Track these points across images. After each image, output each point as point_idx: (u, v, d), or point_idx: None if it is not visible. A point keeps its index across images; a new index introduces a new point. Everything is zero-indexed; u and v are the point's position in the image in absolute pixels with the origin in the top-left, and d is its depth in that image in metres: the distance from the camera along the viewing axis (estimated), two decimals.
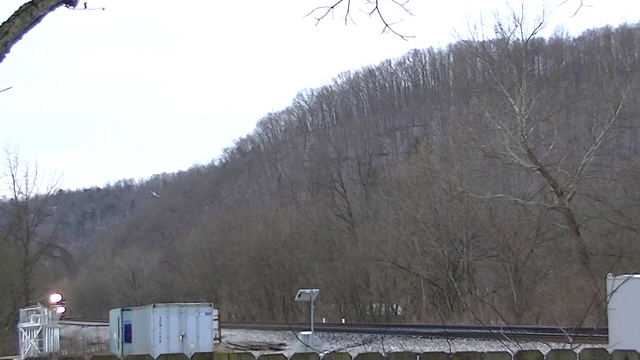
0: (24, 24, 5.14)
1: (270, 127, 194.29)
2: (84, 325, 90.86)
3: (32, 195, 66.93)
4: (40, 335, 46.60)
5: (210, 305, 37.48)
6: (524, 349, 4.81)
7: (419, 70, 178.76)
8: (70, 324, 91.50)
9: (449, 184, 49.12)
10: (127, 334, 40.09)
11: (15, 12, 5.17)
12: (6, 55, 5.15)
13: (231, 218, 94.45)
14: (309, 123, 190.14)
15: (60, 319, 64.89)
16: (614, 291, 13.27)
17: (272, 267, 73.20)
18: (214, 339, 37.82)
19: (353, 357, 4.63)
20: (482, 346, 27.86)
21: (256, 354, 4.92)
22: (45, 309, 49.63)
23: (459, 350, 5.34)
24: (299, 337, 31.64)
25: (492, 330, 19.98)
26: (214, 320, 38.63)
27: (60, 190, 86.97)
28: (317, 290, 36.08)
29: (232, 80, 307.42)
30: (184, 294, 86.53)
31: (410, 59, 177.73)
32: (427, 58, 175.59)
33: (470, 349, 24.97)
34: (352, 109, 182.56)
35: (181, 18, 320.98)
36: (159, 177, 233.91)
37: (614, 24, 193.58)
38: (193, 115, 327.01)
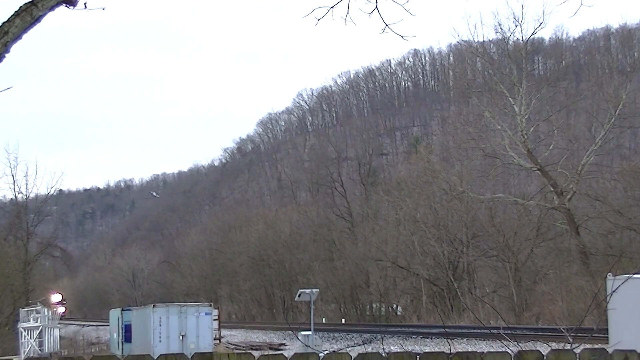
0: (24, 24, 5.14)
1: (270, 127, 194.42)
2: (84, 325, 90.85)
3: (32, 195, 66.98)
4: (40, 335, 46.59)
5: (210, 305, 37.48)
6: (524, 349, 4.81)
7: (419, 70, 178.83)
8: (70, 324, 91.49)
9: (449, 184, 49.12)
10: (127, 334, 40.10)
11: (15, 12, 5.17)
12: (6, 55, 5.15)
13: (231, 218, 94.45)
14: (309, 123, 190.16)
15: (61, 319, 64.88)
16: (614, 291, 13.27)
17: (272, 267, 73.20)
18: (214, 339, 37.82)
19: (353, 357, 4.63)
20: (482, 346, 27.85)
21: (256, 354, 4.92)
22: (45, 309, 49.63)
23: (459, 350, 5.34)
24: (299, 337, 31.64)
25: (492, 330, 19.98)
26: (214, 320, 38.63)
27: (60, 190, 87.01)
28: (317, 290, 36.08)
29: (232, 80, 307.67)
30: (184, 294, 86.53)
31: (410, 59, 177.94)
32: (427, 58, 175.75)
33: (470, 349, 24.96)
34: (352, 109, 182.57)
35: (181, 18, 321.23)
36: (159, 177, 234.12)
37: (614, 24, 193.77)
38: (193, 115, 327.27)
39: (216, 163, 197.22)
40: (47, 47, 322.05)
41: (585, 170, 42.41)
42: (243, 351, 18.33)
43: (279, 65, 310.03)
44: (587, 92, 52.82)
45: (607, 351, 4.83)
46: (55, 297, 72.34)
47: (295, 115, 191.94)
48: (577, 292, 34.69)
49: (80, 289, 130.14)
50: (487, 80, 53.34)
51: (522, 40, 45.05)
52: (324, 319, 56.74)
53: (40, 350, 45.84)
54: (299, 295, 33.79)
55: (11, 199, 69.18)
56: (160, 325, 33.93)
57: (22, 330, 46.26)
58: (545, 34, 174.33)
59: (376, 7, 6.49)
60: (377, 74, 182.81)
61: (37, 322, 46.50)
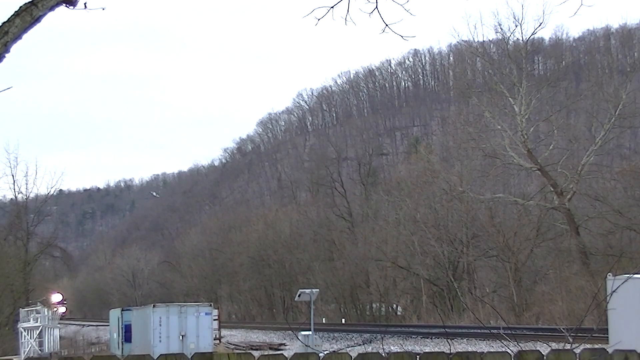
0: (24, 24, 5.14)
1: (270, 127, 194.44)
2: (84, 325, 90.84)
3: (32, 195, 67.00)
4: (40, 335, 46.58)
5: (210, 305, 37.48)
6: (524, 349, 4.81)
7: (419, 70, 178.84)
8: (70, 324, 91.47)
9: (449, 184, 49.12)
10: (127, 334, 40.09)
11: (15, 12, 5.17)
12: (6, 55, 5.15)
13: (231, 218, 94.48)
14: (309, 123, 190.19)
15: (61, 319, 64.87)
16: (614, 291, 13.27)
17: (272, 267, 73.20)
18: (214, 339, 37.82)
19: (353, 357, 4.63)
20: (482, 346, 27.85)
21: (256, 354, 4.92)
22: (45, 309, 49.62)
23: (459, 350, 5.35)
24: (299, 337, 31.65)
25: (492, 330, 19.97)
26: (214, 320, 38.63)
27: (60, 190, 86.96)
28: (317, 290, 36.07)
29: (232, 80, 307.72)
30: (184, 294, 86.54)
31: (410, 59, 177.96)
32: (427, 58, 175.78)
33: (470, 349, 24.96)
34: (352, 109, 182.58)
35: (181, 18, 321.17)
36: (159, 177, 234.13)
37: (614, 24, 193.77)
38: (193, 115, 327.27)
39: (216, 163, 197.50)
40: (47, 47, 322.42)
41: (585, 170, 42.41)
42: (243, 351, 18.33)
43: (279, 65, 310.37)
44: (587, 92, 52.80)
45: (607, 351, 4.83)
46: (56, 297, 72.36)
47: (295, 115, 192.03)
48: (577, 292, 34.69)
49: (80, 289, 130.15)
50: (487, 80, 53.34)
51: (522, 40, 45.09)
52: (324, 319, 56.73)
53: (40, 350, 45.83)
54: (299, 295, 33.79)
55: (11, 199, 69.26)
56: (160, 325, 33.93)
57: (22, 330, 46.25)
58: (545, 34, 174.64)
59: (376, 7, 6.49)
60: (377, 74, 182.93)
61: (37, 322, 46.49)
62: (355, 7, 6.47)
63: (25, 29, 5.18)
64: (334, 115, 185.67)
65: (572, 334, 6.31)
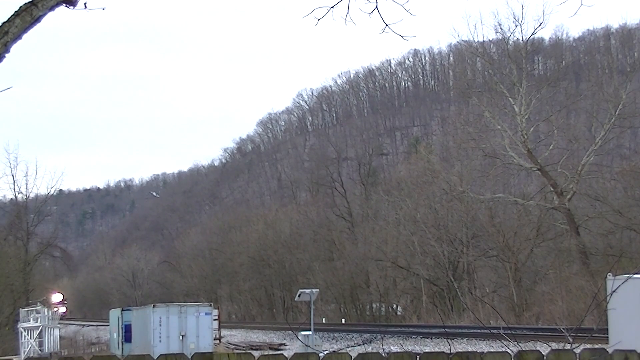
0: (24, 24, 5.14)
1: (270, 127, 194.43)
2: (84, 325, 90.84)
3: (32, 195, 67.02)
4: (40, 335, 46.59)
5: (210, 305, 37.48)
6: (524, 349, 4.81)
7: (419, 70, 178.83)
8: (70, 324, 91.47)
9: (449, 184, 49.12)
10: (127, 334, 40.10)
11: (15, 12, 5.17)
12: (6, 55, 5.15)
13: (231, 218, 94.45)
14: (309, 123, 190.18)
15: (61, 319, 64.87)
16: (614, 291, 13.26)
17: (272, 267, 73.20)
18: (214, 339, 37.82)
19: (353, 357, 4.63)
20: (482, 346, 27.85)
21: (256, 354, 4.92)
22: (45, 309, 49.63)
23: (459, 350, 5.35)
24: (299, 337, 31.65)
25: (492, 330, 19.97)
26: (214, 320, 38.63)
27: (60, 190, 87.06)
28: (317, 290, 36.08)
29: (232, 80, 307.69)
30: (184, 294, 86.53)
31: (410, 59, 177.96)
32: (427, 58, 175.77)
33: (470, 349, 24.96)
34: (352, 109, 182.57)
35: (181, 18, 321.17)
36: (159, 177, 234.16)
37: (614, 24, 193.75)
38: (193, 115, 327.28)
39: (216, 163, 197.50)
40: (47, 47, 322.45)
41: (585, 170, 42.41)
42: (243, 351, 18.33)
43: (279, 65, 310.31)
44: (587, 92, 52.83)
45: (607, 351, 4.83)
46: (56, 297, 72.34)
47: (295, 115, 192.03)
48: (577, 292, 34.69)
49: (80, 289, 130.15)
50: (487, 80, 53.34)
51: (522, 40, 45.09)
52: (324, 319, 56.73)
53: (40, 350, 45.83)
54: (299, 295, 33.79)
55: (11, 199, 69.28)
56: (160, 325, 33.94)
57: (22, 330, 46.26)
58: (545, 34, 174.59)
59: (376, 7, 6.49)
60: (377, 74, 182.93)
61: (37, 322, 46.50)
62: (355, 7, 6.48)
63: (25, 29, 5.17)
64: (334, 115, 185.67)
65: (572, 334, 6.31)
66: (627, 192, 41.44)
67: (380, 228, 57.11)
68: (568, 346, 5.47)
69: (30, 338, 46.13)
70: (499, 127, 44.27)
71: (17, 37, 5.15)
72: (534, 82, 51.41)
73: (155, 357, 4.61)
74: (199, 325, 34.22)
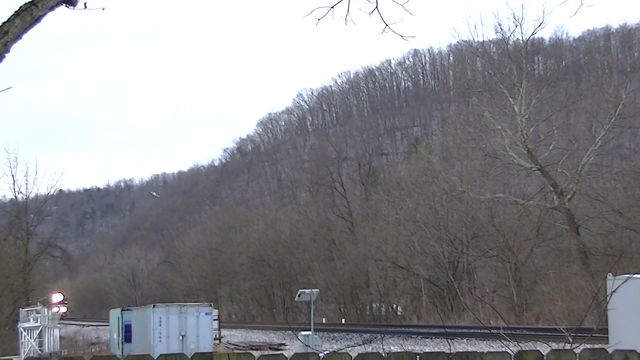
0: (24, 24, 5.14)
1: (270, 127, 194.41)
2: (84, 325, 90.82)
3: (32, 195, 67.03)
4: (40, 335, 46.60)
5: (210, 305, 37.48)
6: (524, 349, 4.81)
7: (419, 70, 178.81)
8: (70, 324, 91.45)
9: (449, 184, 49.11)
10: (127, 334, 40.09)
11: (15, 12, 5.17)
12: (6, 55, 5.15)
13: (231, 218, 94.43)
14: (309, 123, 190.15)
15: (61, 319, 64.86)
16: (614, 291, 13.26)
17: (272, 267, 73.20)
18: (214, 339, 37.82)
19: (353, 357, 4.63)
20: (482, 346, 27.85)
21: (256, 354, 4.92)
22: (45, 309, 49.63)
23: (459, 350, 5.34)
24: (299, 337, 31.65)
25: (492, 330, 19.97)
26: (214, 320, 38.63)
27: (60, 190, 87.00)
28: (317, 290, 36.08)
29: (232, 80, 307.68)
30: (184, 294, 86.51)
31: (410, 59, 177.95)
32: (427, 58, 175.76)
33: (470, 349, 24.96)
34: (352, 109, 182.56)
35: (181, 18, 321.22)
36: (159, 177, 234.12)
37: (614, 24, 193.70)
38: (193, 115, 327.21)
39: (216, 163, 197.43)
40: (47, 47, 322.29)
41: (585, 170, 42.41)
42: (243, 351, 18.33)
43: (279, 65, 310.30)
44: (587, 92, 52.79)
45: (607, 351, 4.83)
46: (57, 297, 72.32)
47: (295, 115, 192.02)
48: (577, 292, 34.69)
49: (80, 289, 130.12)
50: (487, 80, 53.33)
51: (522, 40, 45.08)
52: (324, 319, 56.73)
53: (40, 350, 45.84)
54: (299, 295, 33.79)
55: (11, 199, 69.29)
56: (160, 325, 33.94)
57: (22, 330, 46.26)
58: (545, 34, 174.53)
59: (376, 7, 6.50)
60: (377, 74, 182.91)
61: (37, 322, 46.51)
62: (355, 7, 6.48)
63: (25, 29, 5.17)
64: (334, 115, 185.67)
65: (572, 334, 6.31)
66: (627, 192, 41.44)
67: (380, 228, 57.11)
68: (568, 346, 5.47)
69: (30, 338, 46.14)
70: (499, 127, 44.27)
71: (17, 37, 5.15)
72: (534, 82, 51.40)
73: (155, 357, 4.61)
74: (199, 325, 34.22)
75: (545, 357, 4.72)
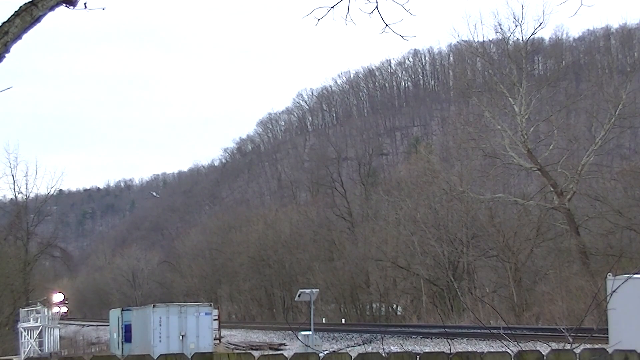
0: (24, 24, 5.14)
1: (270, 127, 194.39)
2: (84, 325, 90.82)
3: (32, 195, 67.00)
4: (40, 335, 46.59)
5: (210, 305, 37.49)
6: (524, 349, 4.81)
7: (419, 70, 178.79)
8: (70, 324, 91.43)
9: (449, 184, 49.11)
10: (127, 334, 40.10)
11: (15, 12, 5.17)
12: (6, 55, 5.15)
13: (231, 218, 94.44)
14: (309, 123, 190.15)
15: (62, 319, 64.86)
16: (614, 291, 13.26)
17: (272, 267, 73.20)
18: (214, 339, 37.82)
19: (353, 357, 4.63)
20: (482, 346, 27.86)
21: (256, 354, 4.92)
22: (45, 309, 49.63)
23: (459, 350, 5.34)
24: (299, 337, 31.65)
25: (492, 330, 19.97)
26: (214, 320, 38.64)
27: (60, 190, 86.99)
28: (317, 290, 36.09)
29: (232, 80, 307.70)
30: (184, 294, 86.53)
31: (410, 59, 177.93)
32: (427, 58, 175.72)
33: (470, 349, 24.96)
34: (352, 109, 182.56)
35: (181, 18, 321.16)
36: (159, 177, 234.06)
37: (614, 24, 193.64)
38: (193, 115, 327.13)
39: (216, 163, 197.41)
40: (47, 47, 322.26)
41: (585, 170, 42.41)
42: (243, 351, 18.33)
43: (279, 65, 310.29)
44: (587, 92, 52.79)
45: (607, 351, 4.83)
46: (57, 297, 72.33)
47: (295, 115, 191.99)
48: (577, 292, 34.69)
49: (80, 289, 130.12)
50: (487, 80, 53.33)
51: (522, 40, 45.09)
52: (324, 319, 56.73)
53: (40, 350, 45.84)
54: (299, 295, 33.79)
55: (11, 199, 69.26)
56: (160, 325, 33.94)
57: (22, 330, 46.26)
58: (545, 34, 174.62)
59: (376, 7, 6.50)
60: (377, 74, 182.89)
61: (37, 322, 46.51)
62: (355, 7, 6.48)
63: (25, 29, 5.17)
64: (334, 115, 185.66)
65: (572, 334, 6.31)
66: (627, 192, 41.44)
67: (380, 228, 57.11)
68: (568, 346, 5.47)
69: (30, 338, 46.14)
70: (499, 127, 44.27)
71: (17, 37, 5.15)
72: (534, 82, 51.42)
73: (155, 357, 4.61)
74: (199, 325, 34.23)
75: (545, 357, 4.72)
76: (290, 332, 43.19)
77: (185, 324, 34.06)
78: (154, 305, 36.04)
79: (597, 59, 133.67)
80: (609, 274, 16.90)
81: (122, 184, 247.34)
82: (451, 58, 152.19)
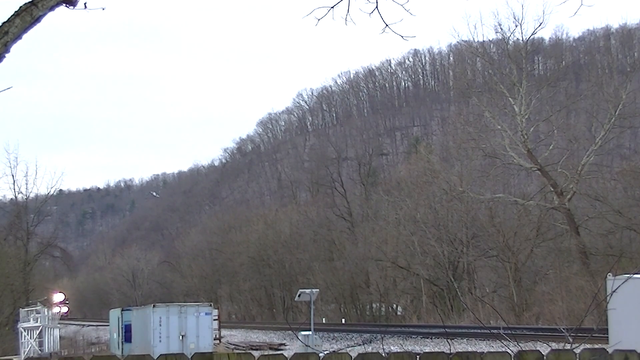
0: (24, 24, 5.14)
1: (270, 127, 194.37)
2: (84, 325, 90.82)
3: (32, 195, 67.00)
4: (40, 335, 46.60)
5: (210, 305, 37.49)
6: (524, 349, 4.81)
7: (419, 70, 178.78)
8: (70, 324, 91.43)
9: (449, 184, 49.12)
10: (127, 334, 40.10)
11: (15, 12, 5.17)
12: (6, 55, 5.15)
13: (231, 218, 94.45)
14: (309, 123, 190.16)
15: (62, 319, 64.84)
16: (614, 291, 13.27)
17: (272, 267, 73.20)
18: (214, 339, 37.82)
19: (353, 357, 4.63)
20: (482, 346, 27.86)
21: (256, 354, 4.92)
22: (46, 309, 49.63)
23: (459, 350, 5.34)
24: (299, 337, 31.65)
25: (492, 330, 19.97)
26: (214, 320, 38.64)
27: (60, 190, 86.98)
28: (317, 290, 36.08)
29: (232, 80, 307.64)
30: (184, 294, 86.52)
31: (410, 59, 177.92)
32: (427, 58, 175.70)
33: (470, 349, 24.97)
34: (352, 109, 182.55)
35: (181, 18, 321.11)
36: (159, 177, 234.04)
37: (614, 24, 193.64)
38: (193, 115, 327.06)
39: (216, 163, 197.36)
40: (47, 47, 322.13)
41: (585, 170, 42.41)
42: (243, 351, 18.33)
43: (279, 65, 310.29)
44: (587, 92, 52.79)
45: (607, 351, 4.83)
46: (58, 297, 72.31)
47: (295, 115, 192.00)
48: (577, 292, 34.70)
49: (80, 289, 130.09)
50: (487, 80, 53.33)
51: (522, 40, 45.09)
52: (324, 319, 56.74)
53: (40, 350, 45.85)
54: (299, 295, 33.79)
55: (11, 199, 69.26)
56: (160, 325, 33.94)
57: (22, 330, 46.26)
58: (545, 34, 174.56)
59: (376, 7, 6.50)
60: (377, 74, 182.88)
61: (37, 322, 46.51)
62: (355, 7, 6.48)
63: (25, 29, 5.17)
64: (334, 115, 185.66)
65: (572, 334, 6.31)
66: (627, 192, 41.44)
67: (380, 228, 57.11)
68: (568, 346, 5.46)
69: (30, 338, 46.14)
70: (499, 127, 44.27)
71: (17, 37, 5.15)
72: (534, 82, 51.42)
73: (155, 357, 4.61)
74: (199, 325, 34.23)
75: (545, 357, 4.72)
76: (290, 332, 43.20)
77: (185, 324, 34.07)
78: (154, 305, 36.04)
79: (597, 59, 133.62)
80: (609, 274, 16.91)
81: (122, 184, 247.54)
82: (451, 58, 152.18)
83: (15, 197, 66.83)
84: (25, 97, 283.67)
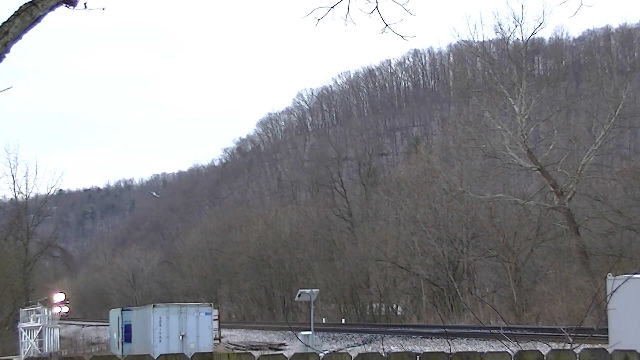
0: (24, 24, 5.14)
1: (270, 127, 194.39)
2: (84, 325, 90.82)
3: (32, 195, 67.00)
4: (40, 335, 46.60)
5: (210, 305, 37.49)
6: (524, 349, 4.81)
7: (419, 70, 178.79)
8: (70, 324, 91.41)
9: (449, 184, 49.12)
10: (127, 334, 40.10)
11: (15, 12, 5.17)
12: (6, 55, 5.15)
13: (231, 218, 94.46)
14: (309, 123, 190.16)
15: (62, 319, 64.84)
16: (614, 291, 13.26)
17: (272, 267, 73.20)
18: (214, 339, 37.82)
19: (353, 357, 4.63)
20: (482, 346, 27.85)
21: (256, 354, 4.92)
22: (46, 309, 49.63)
23: (459, 350, 5.34)
24: (299, 337, 31.64)
25: (492, 330, 19.96)
26: (214, 320, 38.64)
27: (60, 190, 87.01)
28: (317, 290, 36.07)
29: (232, 80, 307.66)
30: (184, 294, 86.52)
31: (410, 59, 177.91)
32: (427, 58, 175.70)
33: (470, 349, 24.97)
34: (352, 109, 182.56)
35: (181, 18, 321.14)
36: (159, 177, 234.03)
37: (614, 24, 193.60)
38: (193, 115, 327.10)
39: (216, 163, 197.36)
40: (46, 47, 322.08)
41: (585, 170, 42.40)
42: (243, 351, 18.33)
43: (279, 65, 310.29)
44: (587, 92, 52.83)
45: (607, 351, 4.83)
46: (59, 297, 72.32)
47: (295, 115, 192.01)
48: (577, 292, 34.70)
49: (80, 289, 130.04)
50: (487, 80, 53.33)
51: (522, 40, 45.10)
52: (324, 319, 56.73)
53: (40, 350, 45.84)
54: (299, 295, 33.78)
55: (11, 199, 69.28)
56: (160, 325, 33.94)
57: (22, 330, 46.26)
58: (545, 34, 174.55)
59: (376, 7, 6.50)
60: (377, 74, 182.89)
61: (37, 322, 46.51)
62: (355, 7, 6.48)
63: (25, 29, 5.17)
64: (334, 115, 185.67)
65: (572, 334, 6.31)
66: (627, 192, 41.44)
67: (380, 228, 57.11)
68: (568, 346, 5.46)
69: (30, 338, 46.14)
70: (499, 127, 44.27)
71: (17, 37, 5.15)
72: (534, 82, 51.42)
73: (155, 357, 4.61)
74: (199, 325, 34.23)
75: (545, 357, 4.72)
76: (290, 332, 43.19)
77: (185, 324, 34.07)
78: (154, 305, 36.04)
79: (597, 59, 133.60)
80: (609, 274, 16.89)
81: (122, 184, 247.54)
82: (451, 58, 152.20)
83: (15, 197, 66.91)
84: (25, 97, 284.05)
